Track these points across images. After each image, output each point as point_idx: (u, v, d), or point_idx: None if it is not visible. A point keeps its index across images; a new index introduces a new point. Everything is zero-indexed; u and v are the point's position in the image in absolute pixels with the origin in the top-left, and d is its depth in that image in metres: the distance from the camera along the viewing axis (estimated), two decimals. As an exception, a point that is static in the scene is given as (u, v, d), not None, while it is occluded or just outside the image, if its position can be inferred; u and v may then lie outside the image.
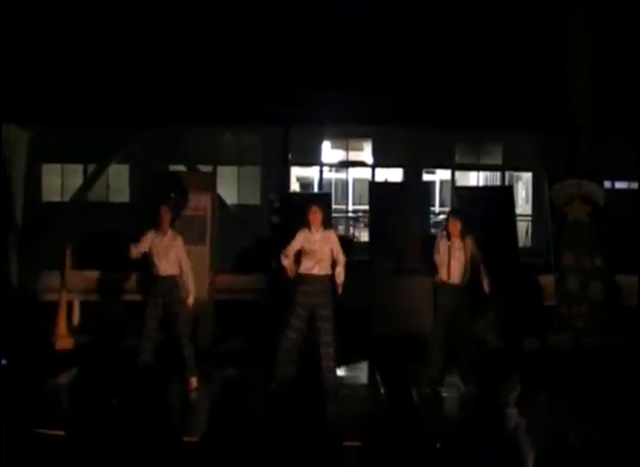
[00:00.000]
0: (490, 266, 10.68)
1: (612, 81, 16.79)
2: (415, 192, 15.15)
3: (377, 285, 13.29)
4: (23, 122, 14.41)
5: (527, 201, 28.76)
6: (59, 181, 26.47)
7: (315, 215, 10.38)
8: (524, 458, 5.91)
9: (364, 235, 25.09)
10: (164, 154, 23.02)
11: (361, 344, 12.34)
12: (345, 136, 28.38)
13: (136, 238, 10.48)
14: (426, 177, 29.03)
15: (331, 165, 29.84)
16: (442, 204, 31.00)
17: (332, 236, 10.56)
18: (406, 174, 27.80)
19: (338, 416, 8.15)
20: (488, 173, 30.18)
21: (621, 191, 24.63)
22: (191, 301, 10.48)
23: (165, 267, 10.33)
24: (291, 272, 10.44)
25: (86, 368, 6.50)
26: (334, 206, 20.68)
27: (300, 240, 10.41)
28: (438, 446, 5.82)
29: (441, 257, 10.54)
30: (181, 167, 22.65)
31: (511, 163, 28.36)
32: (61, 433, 5.98)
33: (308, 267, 10.37)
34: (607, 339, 12.12)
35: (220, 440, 5.48)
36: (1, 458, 5.73)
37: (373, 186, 17.26)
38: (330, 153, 29.15)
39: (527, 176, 29.21)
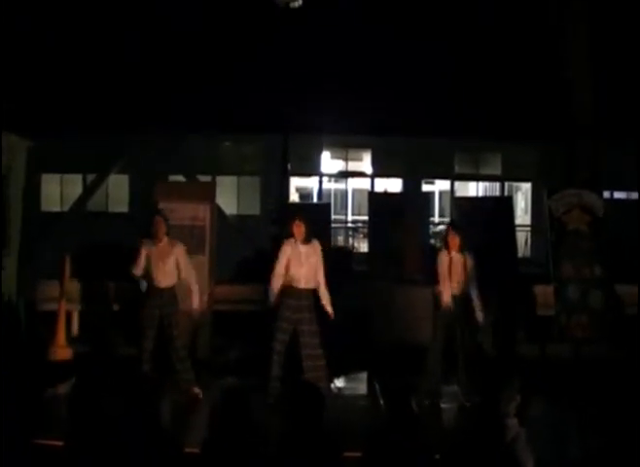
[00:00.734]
0: (490, 276, 10.68)
1: (612, 90, 16.81)
2: (415, 202, 15.20)
3: (377, 295, 13.28)
4: (23, 131, 14.39)
5: (526, 212, 28.76)
6: (59, 191, 26.48)
7: (299, 228, 10.30)
8: (524, 469, 5.89)
9: (363, 246, 25.06)
10: (164, 164, 23.02)
11: (360, 355, 12.32)
12: (345, 146, 28.40)
13: (135, 250, 10.45)
14: (425, 187, 29.02)
15: (330, 176, 29.84)
16: (441, 215, 31.00)
17: (316, 248, 10.40)
18: (405, 184, 27.81)
19: (337, 426, 8.14)
20: (488, 183, 30.19)
21: (620, 201, 24.64)
22: (196, 302, 10.45)
23: (161, 278, 10.26)
24: (273, 295, 10.36)
25: (84, 378, 6.46)
26: (333, 217, 20.69)
27: (286, 253, 10.34)
28: (437, 457, 5.81)
29: (441, 269, 10.53)
30: (180, 177, 22.66)
31: (510, 174, 28.39)
32: (60, 443, 5.96)
33: (293, 279, 10.31)
34: (607, 349, 12.11)
35: (220, 450, 5.46)
36: (-1, 468, 5.72)
37: (373, 196, 17.29)
38: (329, 163, 29.16)
39: (526, 186, 29.22)
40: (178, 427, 8.76)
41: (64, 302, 12.67)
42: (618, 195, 24.79)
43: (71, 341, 12.75)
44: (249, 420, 5.56)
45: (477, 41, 19.17)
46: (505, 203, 15.58)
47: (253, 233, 20.54)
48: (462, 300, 10.46)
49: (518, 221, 22.37)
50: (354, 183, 30.47)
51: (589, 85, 15.88)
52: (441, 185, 30.78)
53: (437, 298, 10.75)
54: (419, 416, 6.03)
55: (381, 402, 6.24)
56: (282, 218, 13.75)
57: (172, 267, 10.34)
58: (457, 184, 29.10)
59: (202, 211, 12.78)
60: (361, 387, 11.95)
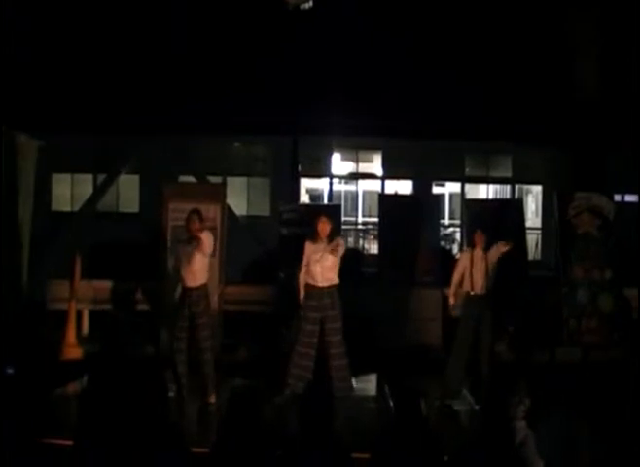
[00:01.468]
0: (500, 278, 10.68)
1: (622, 93, 16.79)
2: (425, 204, 15.16)
3: (387, 297, 13.28)
4: (33, 131, 14.43)
5: (537, 214, 28.69)
6: (69, 191, 26.50)
7: (324, 225, 10.34)
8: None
9: (373, 248, 25.03)
10: (174, 164, 23.03)
11: (370, 356, 12.32)
12: (355, 148, 28.37)
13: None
14: (436, 189, 28.98)
15: (340, 177, 29.80)
16: (451, 217, 30.94)
17: (339, 247, 10.40)
18: (415, 186, 27.76)
19: (347, 427, 8.15)
20: (498, 186, 30.13)
21: (630, 204, 24.56)
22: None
23: (190, 277, 10.26)
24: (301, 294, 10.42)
25: (94, 377, 6.48)
26: (343, 218, 20.68)
27: (307, 252, 10.38)
28: (446, 459, 5.81)
29: (464, 268, 10.55)
30: (191, 178, 22.68)
31: (520, 176, 28.31)
32: (69, 442, 5.97)
33: (313, 278, 10.35)
34: (616, 352, 12.08)
35: (229, 450, 5.47)
36: (9, 467, 5.74)
37: (383, 198, 17.25)
38: (339, 165, 29.14)
39: (537, 189, 29.15)
40: (187, 427, 8.79)
41: (74, 301, 12.69)
42: (629, 198, 24.70)
43: (81, 340, 12.78)
44: (258, 421, 5.57)
45: (488, 44, 19.16)
46: (515, 206, 15.55)
47: (263, 234, 20.52)
48: (485, 299, 10.47)
49: (529, 224, 22.31)
50: (364, 185, 30.42)
51: (600, 88, 15.88)
52: (451, 187, 30.71)
53: (445, 298, 10.77)
54: (428, 418, 6.03)
55: (391, 404, 6.24)
56: (292, 219, 13.75)
57: (201, 265, 10.34)
58: (468, 186, 29.03)
59: (212, 212, 12.80)
60: (370, 389, 11.96)
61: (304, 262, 10.38)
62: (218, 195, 13.43)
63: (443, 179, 29.76)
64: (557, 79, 17.21)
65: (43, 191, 20.35)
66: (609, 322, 12.30)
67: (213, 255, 12.07)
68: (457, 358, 10.42)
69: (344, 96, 18.73)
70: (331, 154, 27.87)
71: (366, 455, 5.84)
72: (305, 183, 29.04)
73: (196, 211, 10.36)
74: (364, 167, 29.30)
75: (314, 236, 10.38)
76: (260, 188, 27.38)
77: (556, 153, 22.16)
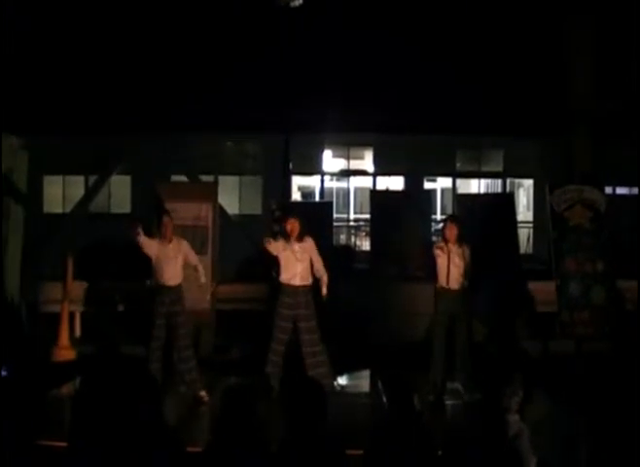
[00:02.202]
0: (492, 272, 10.70)
1: (613, 84, 16.80)
2: (417, 200, 15.19)
3: (379, 293, 13.29)
4: (24, 133, 14.40)
5: (528, 208, 28.78)
6: (61, 192, 26.52)
7: (293, 225, 10.41)
8: (526, 465, 5.90)
9: (365, 244, 25.06)
10: (166, 164, 23.01)
11: (363, 352, 12.33)
12: (346, 145, 28.41)
13: (138, 250, 10.46)
14: (427, 185, 29.06)
15: (332, 174, 29.85)
16: (443, 212, 30.95)
17: (310, 245, 10.51)
18: (407, 182, 27.82)
19: (340, 423, 8.15)
20: (489, 180, 30.20)
21: (622, 196, 24.61)
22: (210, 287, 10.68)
23: (170, 276, 10.31)
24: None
25: (87, 379, 6.47)
26: (335, 215, 20.68)
27: (276, 248, 10.43)
28: (439, 453, 5.82)
29: (439, 263, 10.52)
30: (182, 177, 22.67)
31: (512, 170, 28.38)
32: (63, 444, 5.97)
33: (288, 277, 10.39)
34: (609, 344, 12.11)
35: (222, 449, 5.47)
36: (3, 470, 5.73)
37: (375, 194, 17.29)
38: (331, 162, 29.18)
39: (528, 183, 29.23)
40: (180, 426, 8.79)
41: (67, 303, 12.67)
42: (620, 190, 24.76)
43: (74, 341, 12.76)
44: (251, 419, 5.58)
45: (477, 38, 19.16)
46: (507, 200, 15.58)
47: (255, 232, 20.51)
48: (461, 292, 10.46)
49: (520, 217, 22.39)
50: (356, 181, 30.48)
51: (591, 81, 15.89)
52: (442, 182, 30.79)
53: (437, 293, 10.78)
54: (421, 413, 6.04)
55: (384, 399, 6.25)
56: (284, 217, 13.76)
57: (180, 265, 10.40)
58: (459, 181, 29.10)
59: (205, 211, 12.81)
60: (363, 385, 11.97)
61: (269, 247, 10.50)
62: (210, 193, 13.42)
63: (434, 174, 29.82)
64: (549, 73, 17.21)
65: (35, 192, 20.31)
66: (602, 314, 12.31)
67: (205, 253, 12.10)
68: (436, 353, 10.44)
69: (335, 93, 18.73)
70: (322, 151, 27.92)
71: (360, 452, 5.85)
72: (297, 180, 29.07)
73: (166, 212, 10.67)
74: (355, 164, 29.35)
75: (285, 236, 10.42)
76: (251, 186, 27.41)
77: (547, 146, 22.21)
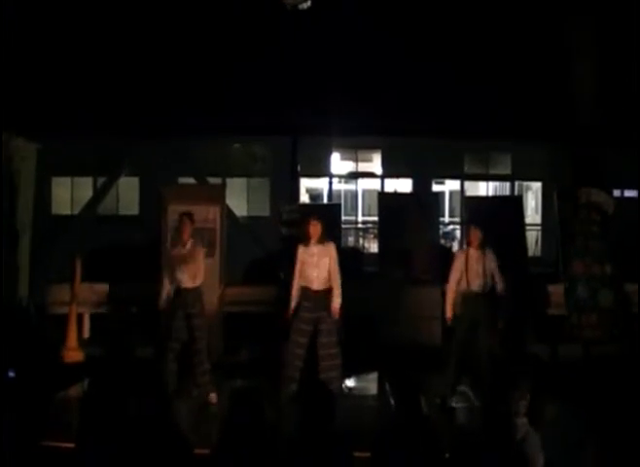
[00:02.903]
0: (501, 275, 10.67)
1: (620, 87, 16.78)
2: (425, 202, 15.14)
3: (387, 295, 13.28)
4: (32, 134, 14.43)
5: (537, 211, 28.74)
6: (69, 194, 26.56)
7: (315, 228, 10.30)
8: (534, 467, 5.90)
9: (373, 246, 25.05)
10: (174, 166, 23.04)
11: (371, 354, 12.33)
12: (354, 147, 28.41)
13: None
14: (435, 187, 29.02)
15: (340, 177, 29.85)
16: (451, 215, 30.97)
17: (330, 250, 10.40)
18: (415, 185, 27.79)
19: (348, 425, 8.15)
20: (497, 183, 30.16)
21: (630, 199, 24.56)
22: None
23: (186, 278, 10.31)
24: (294, 300, 10.40)
25: (96, 380, 6.49)
26: (343, 218, 20.68)
27: (300, 257, 10.38)
28: (447, 455, 5.82)
29: (459, 267, 10.50)
30: (190, 180, 22.69)
31: (520, 173, 28.35)
32: (71, 446, 5.98)
33: (307, 281, 10.35)
34: (617, 347, 12.09)
35: (230, 451, 5.48)
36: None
37: (383, 197, 17.25)
38: (339, 164, 29.18)
39: (537, 186, 29.19)
40: (190, 428, 8.79)
41: (75, 305, 12.69)
42: (628, 193, 24.70)
43: (82, 343, 12.78)
44: (260, 421, 5.58)
45: (487, 42, 19.15)
46: (515, 203, 15.58)
47: (263, 234, 20.52)
48: (483, 297, 10.44)
49: (528, 220, 22.35)
50: (364, 184, 30.46)
51: (598, 84, 15.87)
52: (451, 185, 30.75)
53: (444, 296, 10.75)
54: (429, 416, 6.04)
55: (391, 402, 6.24)
56: (292, 219, 13.75)
57: (197, 268, 10.39)
58: (467, 184, 29.06)
59: (212, 213, 12.82)
60: (371, 387, 11.97)
61: (298, 267, 10.37)
62: (218, 196, 13.44)
63: (442, 177, 29.79)
64: (556, 75, 17.20)
65: (43, 194, 20.36)
66: (609, 317, 12.30)
67: (212, 255, 12.10)
68: (455, 357, 10.40)
69: (343, 96, 18.73)
70: (330, 153, 27.91)
71: (367, 454, 5.85)
72: (305, 183, 29.07)
73: (188, 214, 10.47)
74: (363, 166, 29.35)
75: (306, 239, 10.36)
76: (259, 188, 27.42)
77: (556, 149, 22.17)
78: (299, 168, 20.86)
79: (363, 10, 18.74)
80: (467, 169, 28.61)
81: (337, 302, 10.27)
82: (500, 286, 10.42)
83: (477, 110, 19.24)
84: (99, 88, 18.53)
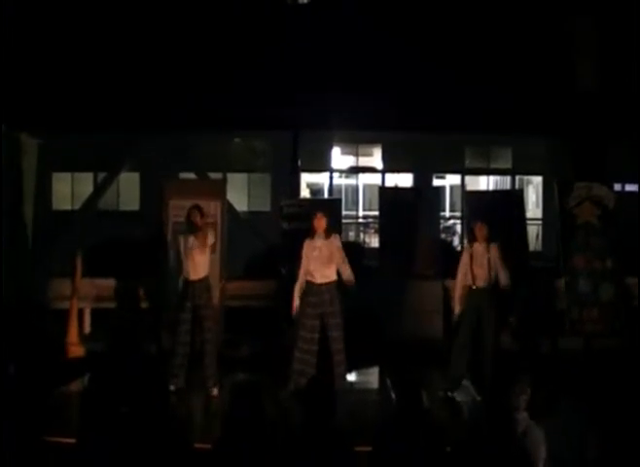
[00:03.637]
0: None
1: (621, 81, 16.77)
2: (425, 197, 15.14)
3: (388, 290, 13.27)
4: (33, 130, 14.44)
5: (538, 205, 28.74)
6: (70, 189, 26.57)
7: (320, 221, 10.33)
8: (534, 462, 5.89)
9: (374, 241, 25.05)
10: (175, 161, 23.05)
11: (372, 349, 12.33)
12: (355, 142, 28.42)
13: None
14: (436, 182, 29.05)
15: (341, 171, 29.87)
16: (452, 209, 30.97)
17: (334, 242, 10.43)
18: (416, 179, 27.82)
19: (349, 420, 8.16)
20: (498, 177, 30.16)
21: (631, 193, 24.55)
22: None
23: (193, 269, 10.32)
24: (297, 298, 10.41)
25: (97, 375, 6.48)
26: (344, 212, 20.68)
27: (306, 250, 10.40)
28: (448, 449, 5.82)
29: (465, 261, 10.50)
30: (191, 175, 22.69)
31: (521, 167, 28.36)
32: (72, 441, 5.99)
33: (311, 274, 10.36)
34: (618, 341, 12.09)
35: (231, 446, 5.48)
36: (12, 466, 5.74)
37: (384, 191, 17.24)
38: (339, 159, 29.18)
39: (537, 180, 29.19)
40: (190, 423, 8.80)
41: (76, 300, 12.69)
42: (629, 187, 24.69)
43: (83, 338, 12.79)
44: (261, 415, 5.58)
45: (487, 36, 19.13)
46: (516, 197, 15.55)
47: (264, 229, 20.52)
48: (488, 292, 10.44)
49: (529, 215, 22.34)
50: (365, 178, 30.47)
51: (599, 77, 15.86)
52: (451, 179, 30.75)
53: (446, 291, 10.75)
54: (430, 410, 6.04)
55: (393, 396, 6.23)
56: (293, 214, 13.73)
57: (205, 258, 10.42)
58: (468, 178, 29.07)
59: (213, 208, 12.80)
60: (372, 381, 11.97)
61: (304, 262, 10.39)
62: (218, 191, 13.43)
63: (443, 171, 29.79)
64: (557, 69, 17.18)
65: (44, 189, 20.37)
66: (610, 311, 12.30)
67: (213, 251, 12.06)
68: (459, 351, 10.40)
69: (344, 90, 18.71)
70: (331, 148, 27.91)
71: (368, 448, 5.85)
72: (306, 177, 29.06)
73: (197, 206, 10.48)
74: (364, 161, 29.36)
75: (311, 233, 10.39)
76: (260, 183, 27.44)
77: (556, 143, 22.16)
78: (299, 163, 20.85)
79: (363, 4, 18.73)
80: (468, 164, 28.62)
81: (347, 274, 10.41)
82: (505, 281, 10.43)
83: (477, 104, 19.24)
84: (100, 83, 18.52)
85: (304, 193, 29.03)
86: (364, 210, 30.60)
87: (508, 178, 28.99)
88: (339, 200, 16.97)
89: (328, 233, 10.35)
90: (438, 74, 18.88)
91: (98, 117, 19.14)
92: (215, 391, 10.27)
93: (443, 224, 21.70)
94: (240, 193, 26.11)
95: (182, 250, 10.39)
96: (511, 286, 10.50)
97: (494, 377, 9.89)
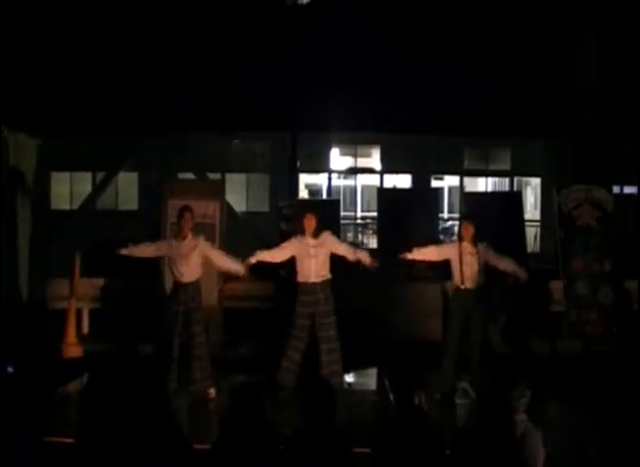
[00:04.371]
0: (499, 272, 10.66)
1: (621, 84, 16.79)
2: (424, 198, 15.13)
3: (386, 292, 13.26)
4: (32, 130, 14.42)
5: (536, 207, 28.72)
6: (68, 189, 26.54)
7: (309, 221, 10.40)
8: (533, 465, 5.89)
9: (372, 242, 25.05)
10: (173, 162, 23.04)
11: (370, 351, 12.33)
12: (354, 143, 28.40)
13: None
14: (434, 183, 29.04)
15: (339, 172, 29.86)
16: (450, 210, 30.97)
17: (326, 239, 10.51)
18: (414, 180, 27.79)
19: (348, 421, 8.15)
20: (497, 179, 30.15)
21: (630, 196, 24.53)
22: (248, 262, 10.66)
23: (186, 273, 10.29)
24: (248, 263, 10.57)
25: (95, 376, 6.49)
26: (342, 213, 20.66)
27: (290, 248, 10.44)
28: (447, 452, 5.82)
29: (453, 262, 10.49)
30: (190, 175, 22.69)
31: (519, 169, 28.34)
32: (71, 441, 5.98)
33: (304, 275, 10.38)
34: (617, 344, 12.09)
35: (229, 447, 5.48)
36: (12, 466, 5.74)
37: (382, 192, 17.23)
38: (338, 160, 29.17)
39: (536, 182, 29.17)
40: (189, 424, 8.80)
41: (74, 300, 12.68)
42: (628, 190, 24.68)
43: (81, 338, 12.77)
44: (259, 417, 5.58)
45: (487, 37, 19.16)
46: (514, 199, 15.54)
47: (262, 229, 20.52)
48: (476, 292, 10.42)
49: (528, 216, 22.31)
50: (363, 179, 30.46)
51: (599, 80, 15.87)
52: (450, 181, 30.76)
53: (451, 292, 10.75)
54: (429, 412, 6.04)
55: (391, 398, 6.22)
56: (292, 215, 13.73)
57: (196, 261, 10.37)
58: (466, 179, 29.06)
59: (212, 209, 12.80)
60: (371, 383, 11.97)
61: (282, 252, 10.61)
62: (217, 191, 13.43)
63: (441, 173, 29.80)
64: (556, 71, 17.20)
65: (42, 189, 20.35)
66: (609, 314, 12.30)
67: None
68: (449, 352, 10.40)
69: (343, 91, 18.73)
70: (329, 149, 27.90)
71: (366, 450, 5.85)
72: (304, 178, 29.06)
73: (187, 207, 10.44)
74: (362, 162, 29.34)
75: (302, 233, 10.42)
76: (259, 184, 27.41)
77: (555, 145, 22.18)
78: (298, 164, 20.85)
79: (362, 5, 18.75)
80: (466, 165, 28.61)
81: (362, 255, 10.61)
82: (510, 267, 10.46)
83: (476, 105, 19.26)
84: (99, 84, 18.54)
85: (303, 193, 29.02)
86: (362, 211, 30.59)
87: (506, 180, 28.97)
88: (338, 201, 16.97)
89: (317, 233, 10.41)
90: (437, 76, 18.91)
91: (97, 117, 19.16)
92: (212, 392, 10.25)
93: (441, 225, 21.66)
94: (239, 193, 26.10)
95: (174, 253, 10.36)
96: (520, 269, 10.54)
97: (492, 380, 9.87)
